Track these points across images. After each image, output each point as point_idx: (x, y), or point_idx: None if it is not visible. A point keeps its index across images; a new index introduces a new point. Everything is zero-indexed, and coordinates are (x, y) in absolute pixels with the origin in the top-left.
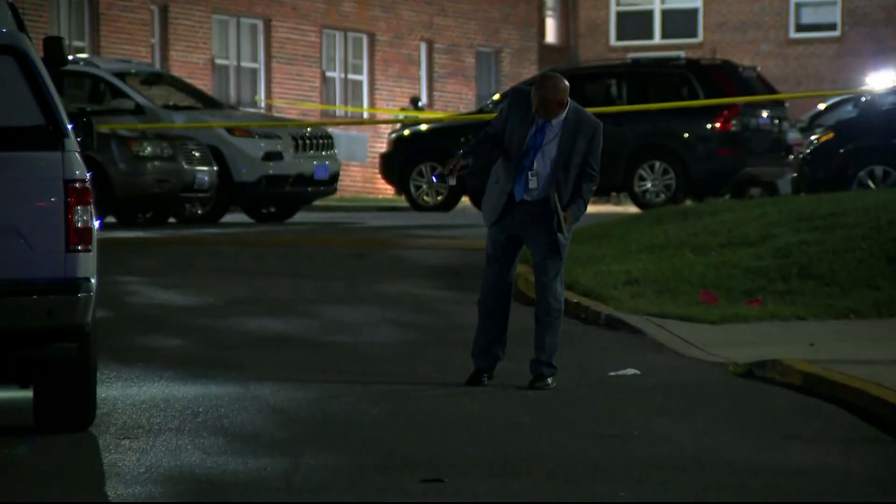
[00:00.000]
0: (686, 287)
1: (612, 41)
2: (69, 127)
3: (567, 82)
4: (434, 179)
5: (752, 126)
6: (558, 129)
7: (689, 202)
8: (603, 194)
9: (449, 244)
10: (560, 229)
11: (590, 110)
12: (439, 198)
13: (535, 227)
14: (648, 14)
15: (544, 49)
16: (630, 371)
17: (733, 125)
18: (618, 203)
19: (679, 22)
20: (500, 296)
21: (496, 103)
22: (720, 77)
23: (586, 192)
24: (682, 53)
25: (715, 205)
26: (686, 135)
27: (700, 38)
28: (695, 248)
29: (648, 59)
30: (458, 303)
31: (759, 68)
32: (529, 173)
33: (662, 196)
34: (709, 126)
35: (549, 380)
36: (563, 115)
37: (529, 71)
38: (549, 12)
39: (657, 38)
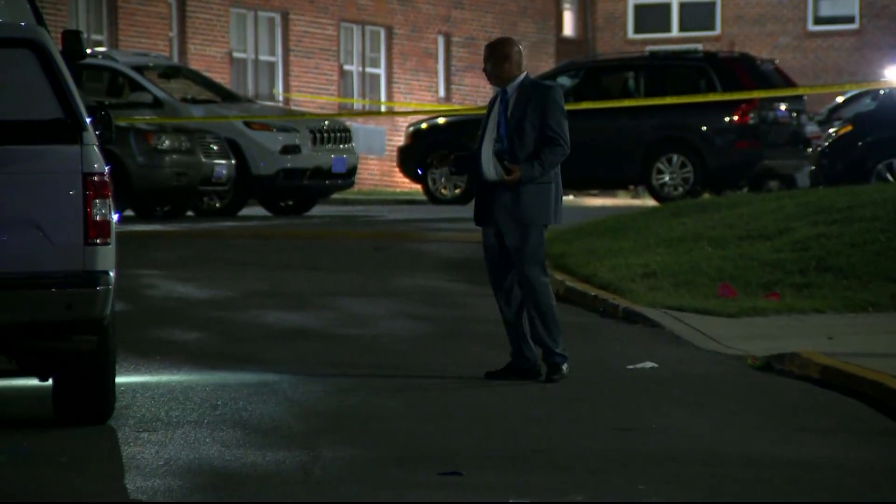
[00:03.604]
0: (704, 280)
1: (630, 34)
2: (88, 120)
3: (514, 45)
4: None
5: (770, 119)
6: (513, 99)
7: (706, 195)
8: (621, 187)
9: (466, 237)
10: (506, 182)
11: (607, 104)
12: (457, 191)
13: (502, 209)
14: (666, 7)
15: (562, 42)
16: (648, 364)
17: (751, 118)
18: (635, 196)
19: (697, 14)
20: (514, 303)
21: None
22: (738, 70)
23: (546, 155)
24: (699, 46)
25: (733, 198)
26: (704, 128)
27: (718, 30)
28: (713, 241)
29: (666, 51)
30: (474, 296)
31: (777, 61)
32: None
33: (680, 189)
34: (727, 119)
35: (564, 367)
36: (517, 83)
37: (547, 64)
38: (566, 5)
39: (675, 31)
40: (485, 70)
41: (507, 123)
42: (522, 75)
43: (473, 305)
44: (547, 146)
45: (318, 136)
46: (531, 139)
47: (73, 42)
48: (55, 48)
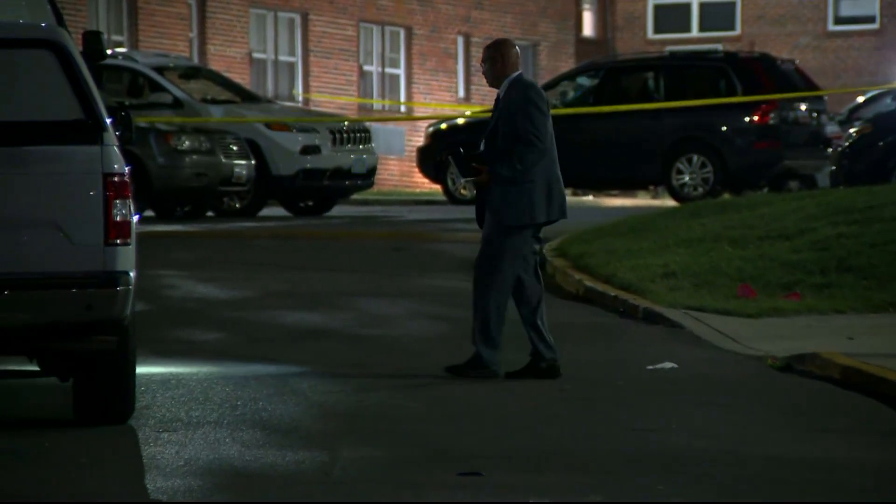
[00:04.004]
0: (724, 280)
1: (650, 34)
2: (108, 121)
3: (510, 46)
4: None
5: (790, 119)
6: (502, 98)
7: (726, 195)
8: (640, 187)
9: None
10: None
11: (628, 107)
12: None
13: (487, 210)
14: (686, 7)
15: (581, 42)
16: (668, 364)
17: (771, 118)
18: (655, 196)
19: (717, 15)
20: (528, 303)
21: None
22: (758, 70)
23: (519, 154)
24: (719, 46)
25: (753, 198)
26: (724, 128)
27: (738, 30)
28: (733, 242)
29: (686, 52)
30: None
31: (797, 61)
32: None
33: (700, 189)
34: (747, 119)
35: (479, 371)
36: (508, 82)
37: (566, 64)
38: (586, 5)
39: (695, 31)
40: (483, 70)
41: (490, 123)
42: (514, 74)
43: None
44: (520, 145)
45: (337, 136)
46: (505, 138)
47: (93, 43)
48: (75, 49)
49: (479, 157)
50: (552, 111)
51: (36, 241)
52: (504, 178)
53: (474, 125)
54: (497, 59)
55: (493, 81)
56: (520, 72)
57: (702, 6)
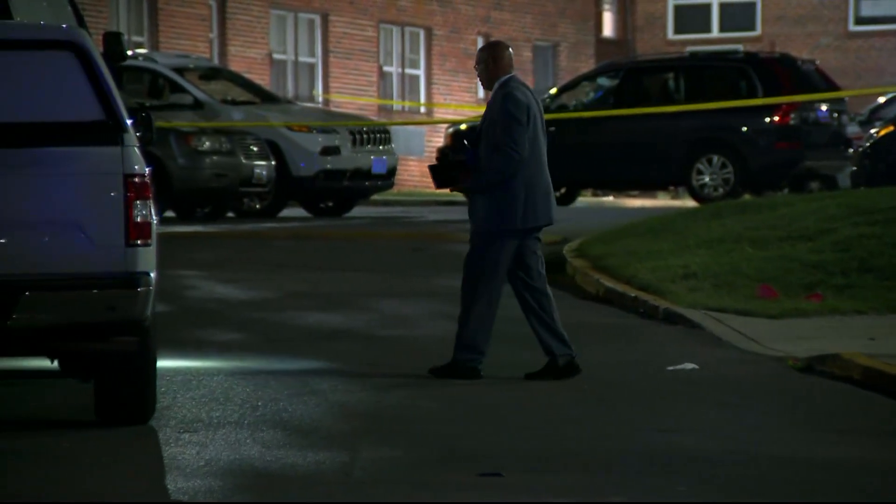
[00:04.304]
0: (744, 281)
1: (670, 34)
2: (128, 122)
3: (502, 48)
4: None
5: (810, 119)
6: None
7: (747, 196)
8: (661, 188)
9: None
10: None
11: (648, 109)
12: None
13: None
14: (706, 7)
15: (601, 43)
16: (688, 365)
17: (792, 119)
18: (675, 197)
19: (737, 15)
20: (531, 305)
21: (553, 97)
22: (779, 70)
23: (493, 163)
24: (740, 47)
25: (773, 199)
26: (744, 128)
27: (758, 31)
28: (753, 242)
29: (706, 52)
30: (511, 296)
31: (818, 62)
32: None
33: (721, 190)
34: (767, 119)
35: (460, 370)
36: (497, 85)
37: (586, 65)
38: (606, 6)
39: (715, 32)
40: (477, 73)
41: (478, 127)
42: (504, 77)
43: (511, 307)
44: (496, 155)
45: (357, 137)
46: (486, 146)
47: (114, 44)
48: (96, 50)
49: (461, 165)
50: (573, 113)
51: (57, 241)
52: (481, 185)
53: None
54: (489, 62)
55: (486, 84)
56: (510, 75)
57: (722, 6)
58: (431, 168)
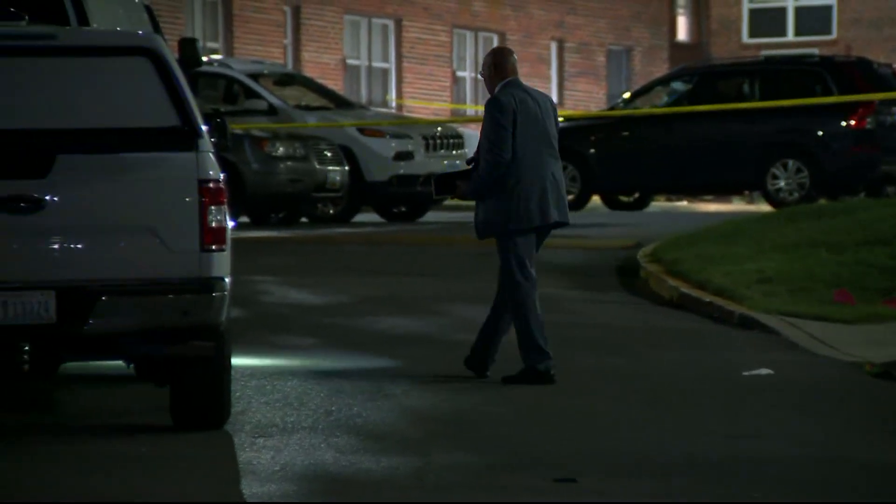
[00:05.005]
0: (820, 286)
1: (745, 38)
2: (204, 128)
3: (503, 54)
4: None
5: (887, 123)
6: None
7: (823, 201)
8: (736, 192)
9: (576, 243)
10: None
11: (719, 106)
12: (570, 197)
13: None
14: (782, 11)
15: (675, 47)
16: (764, 371)
17: (868, 122)
18: (750, 201)
19: (813, 18)
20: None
21: (627, 102)
22: (855, 74)
23: (479, 170)
24: (815, 51)
25: (850, 203)
26: (820, 132)
27: (834, 34)
28: (829, 247)
29: (781, 56)
30: (584, 301)
31: (894, 65)
32: None
33: (796, 194)
34: (843, 123)
35: (541, 367)
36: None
37: (660, 69)
38: (680, 10)
39: (790, 35)
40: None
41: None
42: (502, 83)
43: (584, 311)
44: (483, 159)
45: (430, 142)
46: (480, 151)
47: (189, 50)
48: (172, 56)
49: (465, 174)
50: (644, 110)
51: (133, 247)
52: (472, 191)
53: (568, 130)
54: (491, 67)
55: (491, 89)
56: (509, 79)
57: (797, 10)
58: (435, 177)
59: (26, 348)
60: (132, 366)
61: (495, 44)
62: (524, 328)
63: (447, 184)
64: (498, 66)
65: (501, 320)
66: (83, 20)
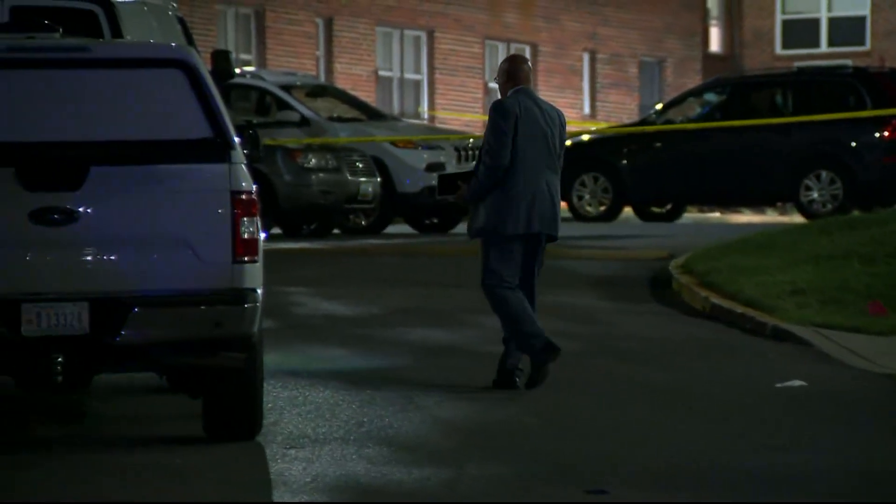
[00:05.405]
0: (853, 298)
1: (778, 50)
2: (236, 139)
3: (516, 61)
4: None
5: None
6: None
7: (856, 212)
8: (768, 204)
9: (611, 254)
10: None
11: (754, 121)
12: (602, 208)
13: None
14: (815, 22)
15: (708, 58)
16: (797, 382)
17: None
18: (783, 213)
19: (846, 29)
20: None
21: (659, 113)
22: (888, 85)
23: (478, 173)
24: (849, 62)
25: (883, 214)
26: (853, 143)
27: (868, 45)
28: (862, 259)
29: (814, 67)
30: (617, 312)
31: None
32: None
33: (829, 206)
34: (877, 135)
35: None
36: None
37: (693, 81)
38: (712, 21)
39: (823, 47)
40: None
41: None
42: (514, 89)
43: (619, 323)
44: (480, 163)
45: (462, 153)
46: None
47: (222, 62)
48: (205, 68)
49: (468, 176)
50: (679, 125)
51: (165, 258)
52: (471, 195)
53: (599, 141)
54: (505, 74)
55: (502, 95)
56: (519, 87)
57: (831, 21)
58: (439, 177)
59: (60, 360)
60: (165, 377)
61: (527, 55)
62: (508, 327)
63: (450, 184)
64: (511, 74)
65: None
66: (117, 33)
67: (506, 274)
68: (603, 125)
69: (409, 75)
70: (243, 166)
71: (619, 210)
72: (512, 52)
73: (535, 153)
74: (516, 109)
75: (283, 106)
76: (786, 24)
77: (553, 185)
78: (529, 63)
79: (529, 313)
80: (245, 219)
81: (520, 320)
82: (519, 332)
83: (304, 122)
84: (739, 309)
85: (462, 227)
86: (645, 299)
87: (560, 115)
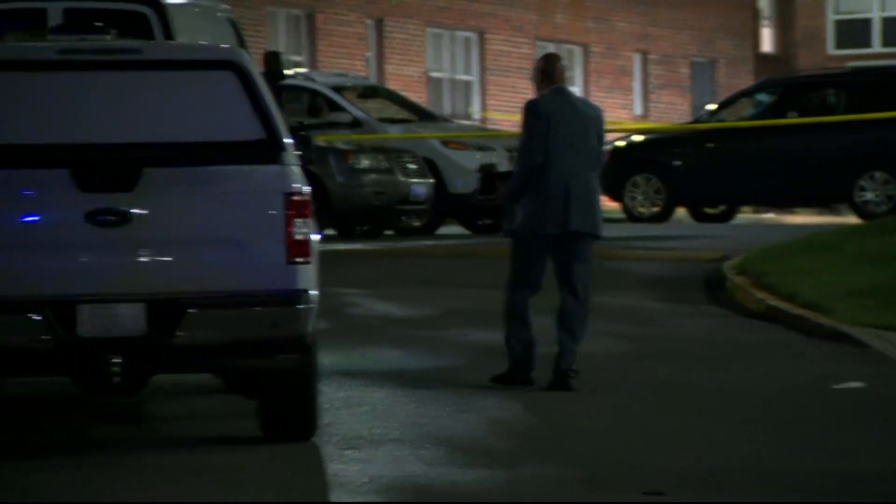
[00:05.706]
0: None
1: (830, 49)
2: (289, 141)
3: (549, 60)
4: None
5: None
6: None
7: None
8: (823, 205)
9: (665, 255)
10: None
11: (809, 119)
12: (655, 209)
13: None
14: (867, 22)
15: (760, 58)
16: (854, 384)
17: None
18: (838, 214)
19: None
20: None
21: (712, 114)
22: None
23: (514, 172)
24: None
25: None
26: None
27: None
28: None
29: (868, 67)
30: (671, 314)
31: None
32: None
33: (884, 206)
34: None
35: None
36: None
37: (745, 81)
38: (764, 21)
39: (876, 46)
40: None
41: None
42: (548, 89)
43: (671, 324)
44: (515, 162)
45: (513, 154)
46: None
47: (273, 63)
48: (256, 69)
49: (508, 175)
50: (729, 123)
51: (219, 259)
52: (507, 193)
53: (653, 142)
54: (540, 73)
55: (537, 93)
56: (555, 86)
57: (884, 21)
58: (481, 177)
59: (117, 361)
60: (222, 378)
61: (578, 56)
62: (506, 333)
63: (491, 184)
64: (546, 73)
65: (559, 325)
66: (168, 34)
67: (531, 276)
68: (656, 126)
69: (460, 76)
70: (296, 167)
71: (671, 211)
72: (563, 53)
73: (570, 151)
74: (548, 108)
75: (335, 107)
76: (838, 23)
77: (590, 183)
78: (565, 61)
79: (527, 336)
80: (298, 220)
81: (510, 328)
82: (507, 332)
83: (355, 123)
84: (796, 310)
85: None
86: (699, 300)
87: (596, 110)
